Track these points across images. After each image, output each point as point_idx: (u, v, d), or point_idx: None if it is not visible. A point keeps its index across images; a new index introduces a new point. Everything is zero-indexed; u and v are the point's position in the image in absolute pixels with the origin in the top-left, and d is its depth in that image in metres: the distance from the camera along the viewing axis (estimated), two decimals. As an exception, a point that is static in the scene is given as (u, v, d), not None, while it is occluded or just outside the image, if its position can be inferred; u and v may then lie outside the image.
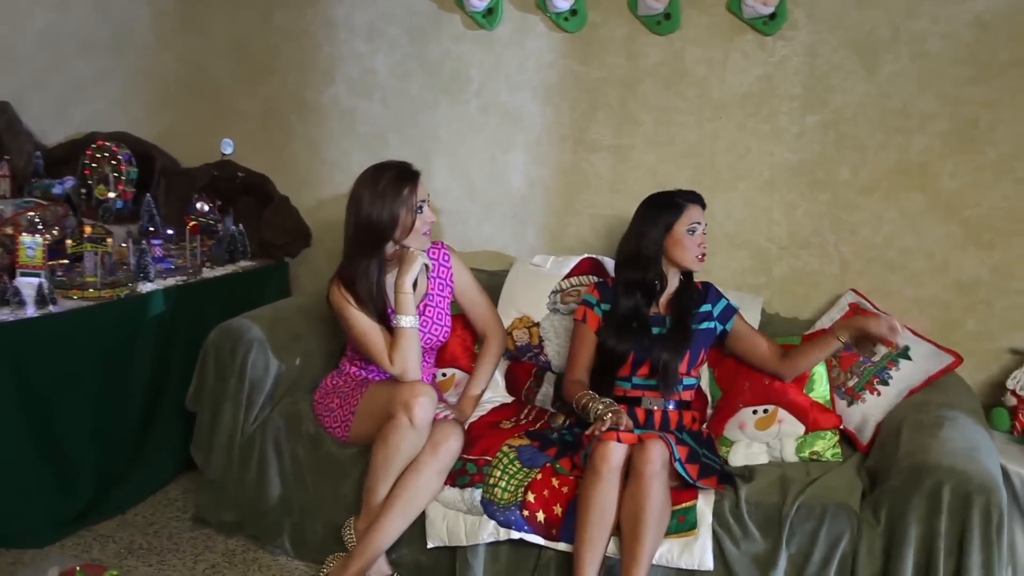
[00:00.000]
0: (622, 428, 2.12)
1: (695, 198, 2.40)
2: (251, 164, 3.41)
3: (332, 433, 2.45)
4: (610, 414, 2.15)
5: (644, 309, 2.38)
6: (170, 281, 2.86)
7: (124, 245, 2.89)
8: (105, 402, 2.58)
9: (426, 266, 2.44)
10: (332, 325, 2.71)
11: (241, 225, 3.27)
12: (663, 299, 2.43)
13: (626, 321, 2.37)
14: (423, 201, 2.38)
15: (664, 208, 2.38)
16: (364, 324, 2.33)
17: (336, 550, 2.40)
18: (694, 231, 2.35)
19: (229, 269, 3.15)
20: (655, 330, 2.38)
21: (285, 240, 3.34)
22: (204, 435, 2.58)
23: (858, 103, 2.62)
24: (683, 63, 2.80)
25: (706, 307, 2.41)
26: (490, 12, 2.99)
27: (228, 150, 3.47)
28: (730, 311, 2.44)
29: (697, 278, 2.48)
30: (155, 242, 3.00)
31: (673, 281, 2.43)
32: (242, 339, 2.52)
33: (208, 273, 3.06)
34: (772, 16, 2.63)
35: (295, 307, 2.80)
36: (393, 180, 2.35)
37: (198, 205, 3.22)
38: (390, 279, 2.41)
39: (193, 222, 3.08)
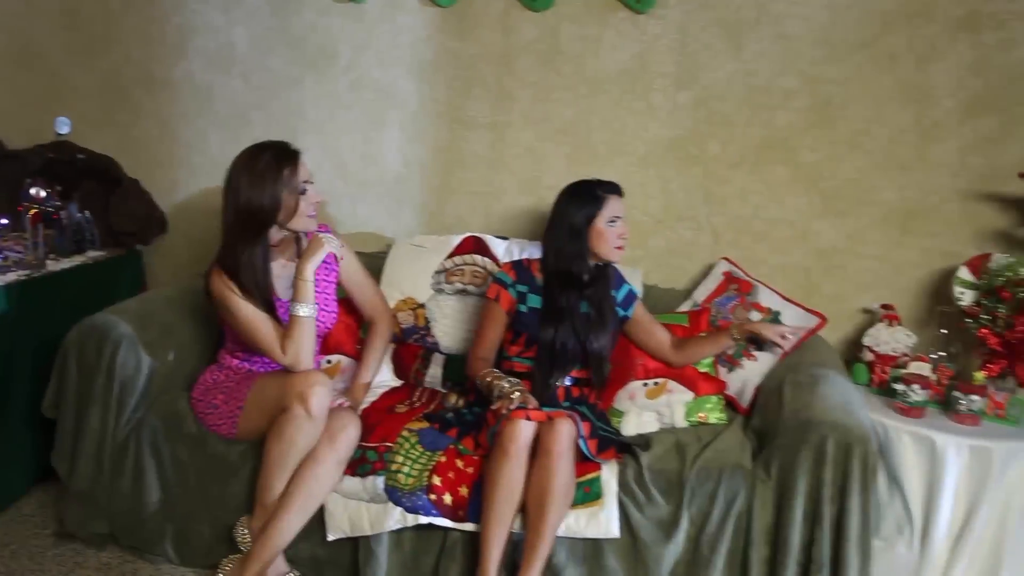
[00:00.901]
0: (529, 408, 2.13)
1: (615, 189, 2.41)
2: (93, 145, 3.14)
3: (217, 431, 2.31)
4: (517, 393, 2.15)
5: (575, 300, 2.38)
6: (11, 276, 2.58)
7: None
8: (-58, 415, 2.32)
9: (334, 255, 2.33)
10: (206, 316, 2.55)
11: (87, 212, 3.00)
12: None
13: (560, 313, 2.36)
14: (306, 182, 2.27)
15: (584, 201, 2.38)
16: (250, 313, 2.20)
17: (226, 553, 2.27)
18: (615, 223, 2.37)
19: (77, 261, 2.88)
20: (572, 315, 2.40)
21: (137, 227, 3.10)
22: (67, 443, 2.36)
23: (726, 81, 2.73)
24: (559, 40, 2.82)
25: (611, 292, 2.45)
26: (359, -16, 2.88)
27: (64, 129, 3.19)
28: (631, 297, 2.49)
29: None
30: (-13, 234, 2.70)
31: (591, 268, 2.44)
32: (108, 336, 2.32)
33: (54, 266, 2.79)
34: (645, -6, 2.70)
35: (163, 299, 2.61)
36: (272, 161, 2.22)
37: (32, 191, 2.91)
38: (276, 267, 2.30)
39: (34, 210, 2.79)
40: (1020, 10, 2.50)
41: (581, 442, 2.14)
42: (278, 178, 2.21)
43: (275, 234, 2.27)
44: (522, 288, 2.42)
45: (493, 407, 2.18)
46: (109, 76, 3.16)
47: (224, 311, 2.25)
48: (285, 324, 2.27)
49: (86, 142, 3.14)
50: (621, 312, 2.47)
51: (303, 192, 2.25)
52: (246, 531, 2.23)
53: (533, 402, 2.16)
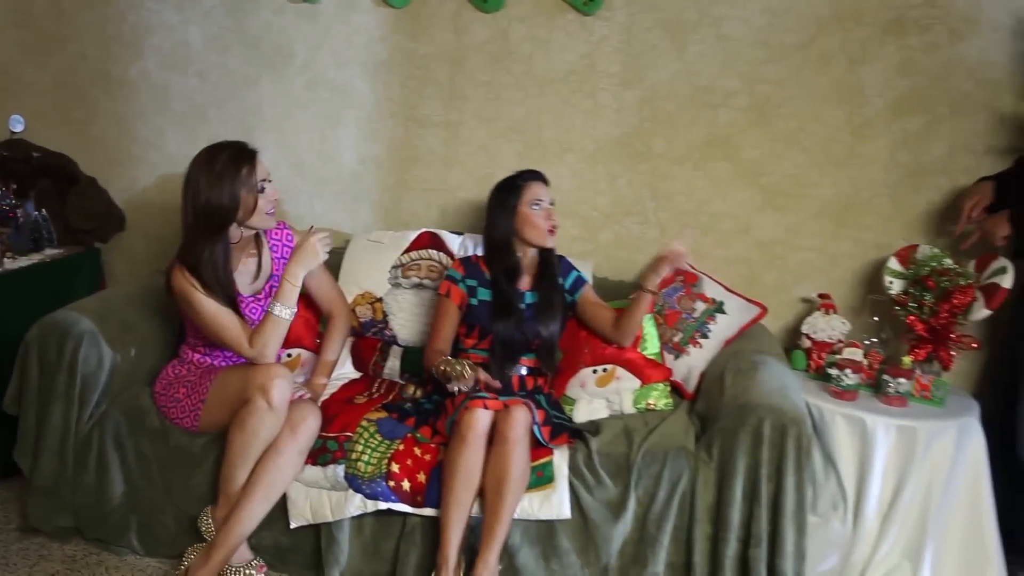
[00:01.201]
0: (482, 379, 2.24)
1: (535, 175, 2.53)
2: (48, 143, 3.16)
3: (179, 424, 2.37)
4: (467, 369, 2.24)
5: (515, 294, 2.49)
6: (-32, 275, 2.61)
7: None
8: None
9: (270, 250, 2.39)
10: (166, 313, 2.60)
11: (44, 210, 3.02)
12: (525, 273, 2.55)
13: (508, 305, 2.47)
14: (264, 180, 2.33)
15: (506, 192, 2.50)
16: (213, 308, 2.26)
17: (191, 542, 2.33)
18: (539, 205, 2.48)
19: (35, 259, 2.91)
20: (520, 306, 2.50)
21: (94, 225, 3.13)
22: (29, 439, 2.41)
23: (670, 81, 2.85)
24: (509, 41, 2.90)
25: (559, 279, 2.55)
26: (313, -15, 2.94)
27: (18, 128, 3.20)
28: (579, 283, 2.60)
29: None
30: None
31: (532, 256, 2.55)
32: (70, 333, 2.36)
33: (11, 264, 2.82)
34: (591, -3, 2.80)
35: (123, 296, 2.65)
36: (230, 161, 2.28)
37: (-13, 190, 2.94)
38: (236, 263, 2.36)
39: (-10, 208, 2.81)
40: (942, 15, 2.64)
41: (535, 429, 2.24)
42: (236, 177, 2.27)
43: (234, 232, 2.33)
44: (471, 283, 2.52)
45: (451, 389, 2.26)
46: (64, 74, 3.17)
47: (187, 307, 2.30)
48: (247, 318, 2.34)
49: (41, 140, 3.16)
50: (569, 298, 2.57)
51: (261, 190, 2.31)
52: (211, 521, 2.29)
53: (483, 374, 2.27)
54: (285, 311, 2.29)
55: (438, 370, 2.31)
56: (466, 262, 2.56)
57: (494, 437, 2.19)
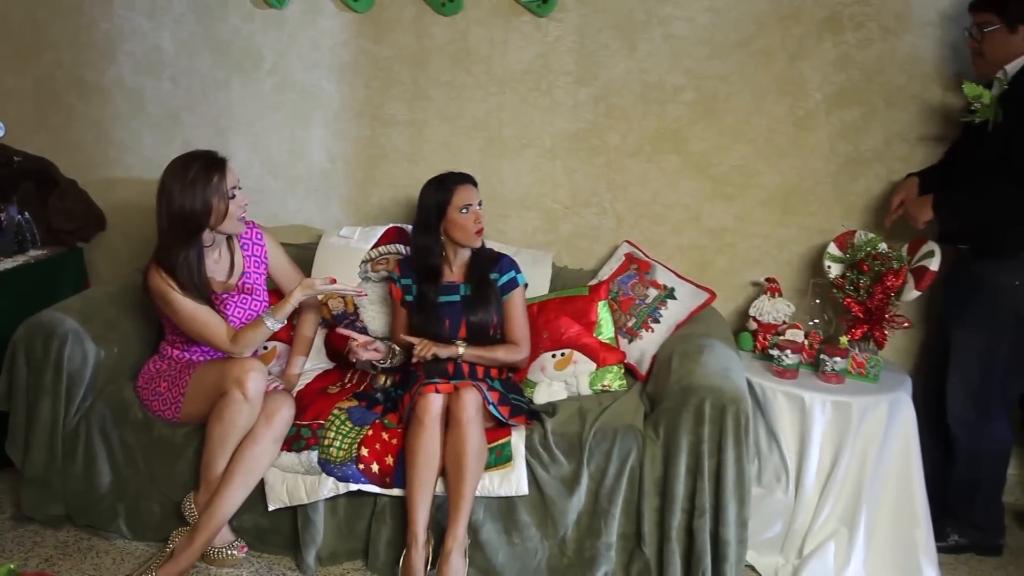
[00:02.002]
0: (429, 356, 2.45)
1: (465, 179, 2.64)
2: (28, 148, 3.27)
3: (162, 415, 2.52)
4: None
5: (434, 291, 2.64)
6: (-44, 277, 2.74)
7: None
8: None
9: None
10: (147, 310, 2.74)
11: (27, 213, 3.15)
12: (456, 268, 2.69)
13: (426, 303, 2.63)
14: (234, 187, 2.47)
15: (436, 194, 2.62)
16: (191, 307, 2.41)
17: (176, 527, 2.49)
18: (467, 210, 2.60)
19: (19, 260, 3.04)
20: (448, 298, 2.64)
21: (76, 225, 3.25)
22: (20, 433, 2.55)
23: (622, 78, 2.98)
24: (468, 42, 3.03)
25: (494, 275, 2.66)
26: (279, -8, 3.06)
27: (-1, 133, 3.30)
28: (510, 286, 2.67)
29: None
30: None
31: (464, 253, 2.68)
32: (55, 332, 2.50)
33: (-3, 266, 2.95)
34: (545, 0, 2.92)
35: (105, 295, 2.79)
36: (202, 169, 2.42)
37: (-30, 194, 3.06)
38: (210, 263, 2.51)
39: (-25, 213, 2.93)
40: (874, 12, 2.79)
41: (492, 408, 2.40)
42: (208, 185, 2.40)
43: (207, 235, 2.47)
44: (406, 281, 2.69)
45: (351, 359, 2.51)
46: (41, 81, 3.28)
47: (165, 306, 2.45)
48: (221, 314, 2.48)
49: (22, 145, 3.26)
50: (497, 293, 2.67)
51: (232, 197, 2.45)
52: (193, 506, 2.45)
53: (432, 348, 2.49)
54: (276, 324, 2.44)
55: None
56: (403, 263, 2.75)
57: (449, 419, 2.36)
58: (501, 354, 2.61)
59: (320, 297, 2.58)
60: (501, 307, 2.67)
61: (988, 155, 2.46)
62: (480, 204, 2.64)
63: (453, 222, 2.61)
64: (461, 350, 2.55)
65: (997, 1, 2.46)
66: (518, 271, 2.71)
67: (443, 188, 2.62)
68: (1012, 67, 2.47)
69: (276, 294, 2.77)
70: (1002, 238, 2.49)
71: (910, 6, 2.77)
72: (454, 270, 2.70)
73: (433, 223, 2.63)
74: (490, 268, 2.67)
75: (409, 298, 2.69)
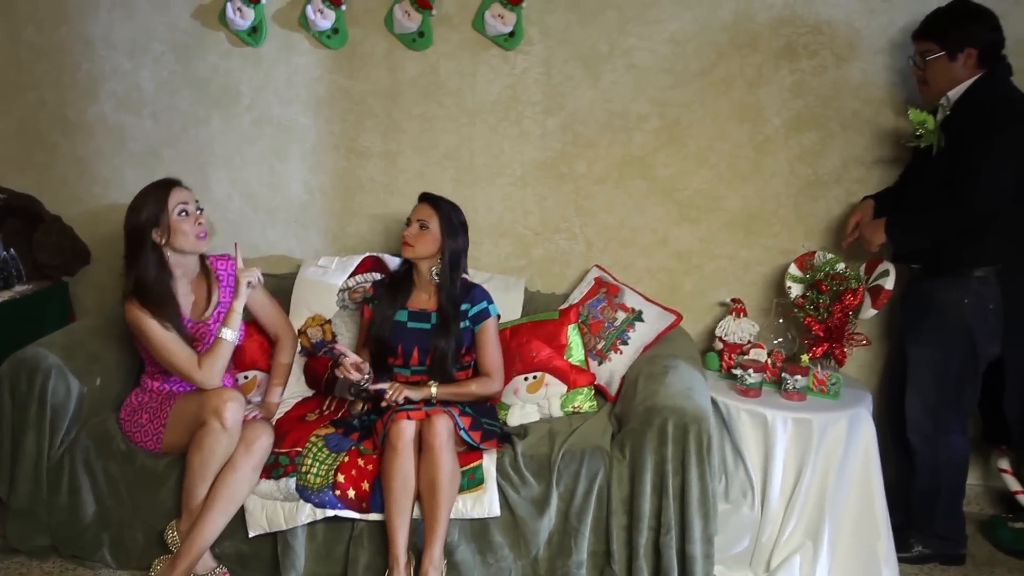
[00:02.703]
0: (401, 400, 2.52)
1: (424, 198, 2.77)
2: (13, 185, 3.35)
3: (144, 447, 2.59)
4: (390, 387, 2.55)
5: (393, 303, 2.75)
6: (-57, 314, 2.81)
7: None
8: None
9: (248, 283, 2.62)
10: (129, 343, 2.81)
11: (12, 249, 3.22)
12: (425, 296, 2.76)
13: (384, 314, 2.74)
14: (182, 203, 2.58)
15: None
16: (162, 335, 2.50)
17: (159, 555, 2.56)
18: (408, 223, 2.72)
19: (6, 296, 3.11)
20: (418, 325, 2.72)
21: (61, 260, 3.33)
22: (5, 466, 2.63)
23: (588, 107, 3.08)
24: (439, 75, 3.13)
25: (465, 305, 2.73)
26: (255, 30, 3.15)
27: (-16, 172, 3.38)
28: (481, 316, 2.73)
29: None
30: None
31: (426, 276, 2.74)
32: (39, 367, 2.58)
33: (-17, 302, 3.02)
34: (511, 34, 3.02)
35: (87, 329, 2.86)
36: (153, 188, 2.61)
37: (-43, 231, 3.14)
38: (182, 289, 2.62)
39: (-38, 251, 3.01)
40: (827, 41, 2.89)
41: (463, 433, 2.48)
42: (156, 200, 2.57)
43: (172, 258, 2.59)
44: (376, 301, 2.80)
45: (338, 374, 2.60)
46: (25, 120, 3.37)
47: (139, 334, 2.54)
48: (198, 343, 2.56)
49: (7, 183, 3.35)
50: (469, 324, 2.73)
51: (182, 213, 2.57)
52: (175, 534, 2.52)
53: (404, 391, 2.56)
54: (232, 335, 2.54)
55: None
56: (377, 284, 2.85)
57: (421, 445, 2.43)
58: (474, 388, 2.68)
59: (246, 289, 2.63)
60: (469, 336, 2.74)
61: (934, 179, 2.56)
62: (421, 225, 2.71)
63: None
64: (434, 390, 2.61)
65: (937, 30, 2.56)
66: (490, 302, 2.76)
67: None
68: (954, 93, 2.57)
69: (254, 324, 2.86)
70: (951, 257, 2.58)
71: (861, 35, 2.87)
72: (426, 296, 2.77)
73: None
74: (462, 298, 2.74)
75: (372, 312, 2.78)
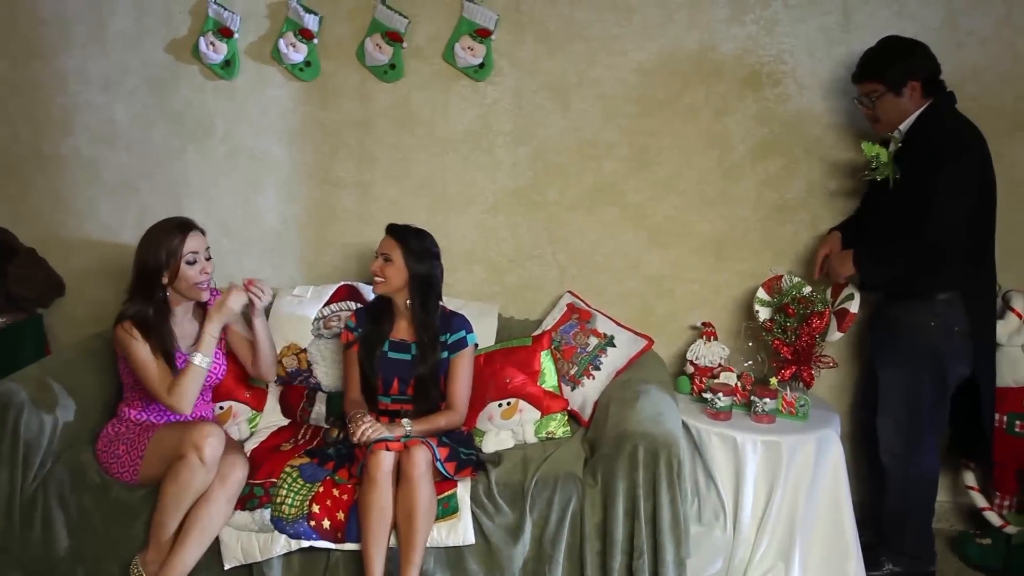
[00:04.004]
0: (376, 437, 2.49)
1: (390, 229, 2.78)
2: (-14, 219, 3.36)
3: (120, 478, 2.59)
4: (366, 425, 2.52)
5: (377, 334, 2.76)
6: (-84, 349, 2.81)
7: None
8: None
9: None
10: (105, 373, 2.81)
11: (-14, 283, 3.23)
12: (403, 326, 2.78)
13: (368, 345, 2.75)
14: (195, 252, 2.59)
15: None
16: (145, 356, 2.53)
17: (134, 588, 2.56)
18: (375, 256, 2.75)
19: (-21, 330, 3.12)
20: (398, 355, 2.74)
21: (36, 292, 3.34)
22: (-23, 503, 2.61)
23: (558, 136, 3.13)
24: (411, 106, 3.17)
25: (444, 336, 2.76)
26: (228, 64, 3.18)
27: (-42, 205, 3.38)
28: (459, 345, 2.74)
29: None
30: None
31: (404, 307, 2.75)
32: (11, 403, 2.57)
33: (-43, 336, 3.02)
34: (481, 65, 3.07)
35: (62, 362, 2.85)
36: (165, 228, 2.61)
37: (-70, 265, 3.14)
38: (179, 324, 2.64)
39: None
40: (790, 71, 2.97)
41: (439, 464, 2.50)
42: (169, 245, 2.57)
43: (174, 298, 2.61)
44: (360, 331, 2.80)
45: (355, 441, 2.52)
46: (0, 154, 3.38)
47: (125, 354, 2.57)
48: (176, 371, 2.57)
49: (-20, 216, 3.36)
50: (446, 354, 2.75)
51: (192, 262, 2.57)
52: (139, 567, 2.51)
53: (381, 430, 2.52)
54: (204, 360, 2.55)
55: (350, 419, 2.58)
56: (359, 312, 2.86)
57: (400, 476, 2.45)
58: (443, 422, 2.68)
59: (236, 311, 2.63)
60: (447, 366, 2.75)
61: (892, 210, 2.62)
62: (386, 258, 2.72)
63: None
64: (408, 428, 2.60)
65: (876, 70, 2.63)
66: (469, 331, 2.77)
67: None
68: (905, 125, 2.64)
69: (232, 357, 2.87)
70: (915, 282, 2.63)
71: (822, 64, 2.95)
72: (405, 327, 2.79)
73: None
74: (442, 328, 2.76)
75: (358, 343, 2.78)
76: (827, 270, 2.83)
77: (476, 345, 2.82)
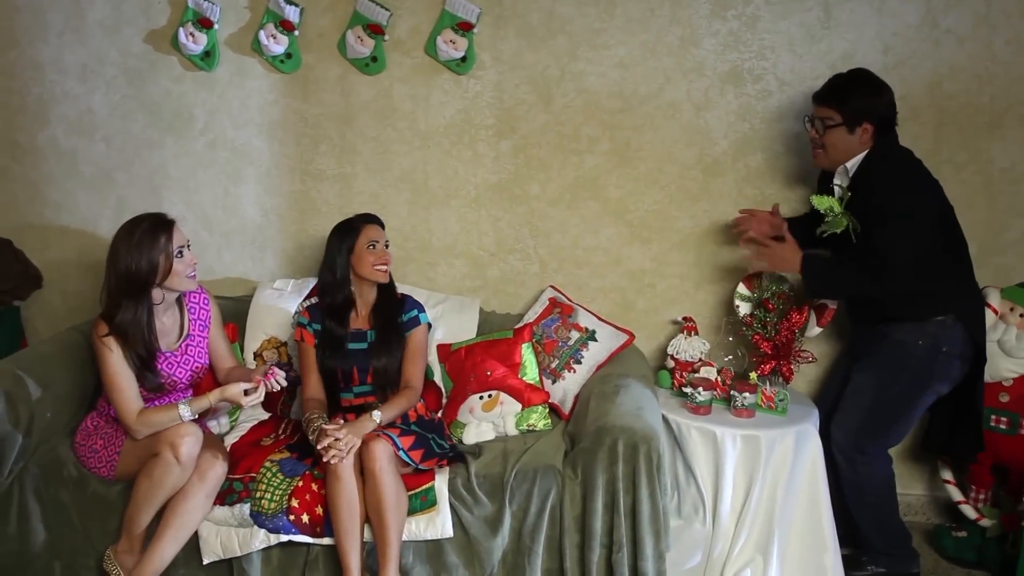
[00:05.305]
0: (340, 449, 2.42)
1: (371, 219, 2.78)
2: (-39, 210, 3.32)
3: (97, 473, 2.57)
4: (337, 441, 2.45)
5: (341, 329, 2.73)
6: None
7: None
8: None
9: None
10: (82, 367, 2.78)
11: (-39, 275, 3.19)
12: (363, 314, 2.77)
13: (333, 341, 2.72)
14: (181, 246, 2.55)
15: (345, 233, 2.75)
16: (115, 369, 2.48)
17: (111, 581, 2.54)
18: (374, 246, 2.72)
19: (-46, 322, 3.08)
20: (356, 345, 2.72)
21: (12, 284, 3.30)
22: (-48, 499, 2.59)
23: (540, 130, 3.13)
24: (392, 99, 3.16)
25: (399, 318, 2.76)
26: (207, 55, 3.16)
27: (-68, 196, 3.34)
28: (411, 324, 2.75)
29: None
30: None
31: (369, 295, 2.77)
32: (-15, 397, 2.55)
33: (-69, 329, 2.98)
34: (463, 59, 3.06)
35: (38, 355, 2.82)
36: (148, 231, 2.51)
37: (-97, 258, 3.10)
38: (158, 320, 2.58)
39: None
40: (771, 67, 2.98)
41: (403, 454, 2.49)
42: (155, 245, 2.49)
43: (157, 293, 2.55)
44: (316, 326, 2.76)
45: (317, 447, 2.48)
46: (-27, 144, 3.34)
47: (98, 359, 2.52)
48: (160, 371, 2.55)
49: (-46, 207, 3.32)
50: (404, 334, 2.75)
51: (179, 255, 2.54)
52: (113, 560, 2.50)
53: (352, 442, 2.44)
54: (187, 415, 2.48)
55: (306, 421, 2.60)
56: (311, 307, 2.81)
57: (363, 470, 2.44)
58: (404, 403, 2.66)
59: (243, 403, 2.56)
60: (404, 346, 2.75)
61: (858, 253, 2.58)
62: (387, 244, 2.75)
63: (359, 257, 2.71)
64: (378, 419, 2.55)
65: (839, 97, 2.59)
66: (421, 311, 2.79)
67: (352, 227, 2.75)
68: (852, 164, 2.62)
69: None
70: (911, 306, 2.61)
71: (803, 61, 2.96)
72: (360, 315, 2.78)
73: (344, 261, 2.72)
74: (396, 312, 2.76)
75: (319, 342, 2.75)
76: (766, 255, 2.74)
77: (430, 325, 2.84)
